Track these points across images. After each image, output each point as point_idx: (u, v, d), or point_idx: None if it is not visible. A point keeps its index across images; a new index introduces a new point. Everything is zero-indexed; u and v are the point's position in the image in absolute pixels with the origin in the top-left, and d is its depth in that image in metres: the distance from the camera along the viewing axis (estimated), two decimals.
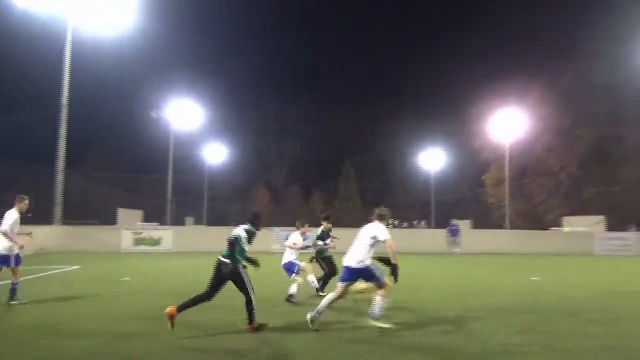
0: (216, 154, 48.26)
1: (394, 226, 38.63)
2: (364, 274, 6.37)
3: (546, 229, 36.69)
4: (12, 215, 7.91)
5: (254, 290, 6.21)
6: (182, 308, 5.97)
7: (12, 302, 7.88)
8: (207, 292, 6.11)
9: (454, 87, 70.60)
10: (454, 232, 23.61)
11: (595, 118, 47.60)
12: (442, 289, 10.59)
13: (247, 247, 6.40)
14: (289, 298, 8.46)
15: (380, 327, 6.18)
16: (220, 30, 75.32)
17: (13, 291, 7.94)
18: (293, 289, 8.60)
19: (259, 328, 6.11)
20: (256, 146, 61.22)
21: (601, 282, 12.51)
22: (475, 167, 61.32)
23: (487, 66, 66.03)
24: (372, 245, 6.38)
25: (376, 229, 6.48)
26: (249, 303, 6.11)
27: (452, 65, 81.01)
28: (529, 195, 55.59)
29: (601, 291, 10.58)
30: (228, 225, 37.78)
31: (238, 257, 6.23)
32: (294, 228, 9.94)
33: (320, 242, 9.68)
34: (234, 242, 6.26)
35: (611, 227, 34.27)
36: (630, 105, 43.72)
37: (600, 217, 33.87)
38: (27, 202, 8.19)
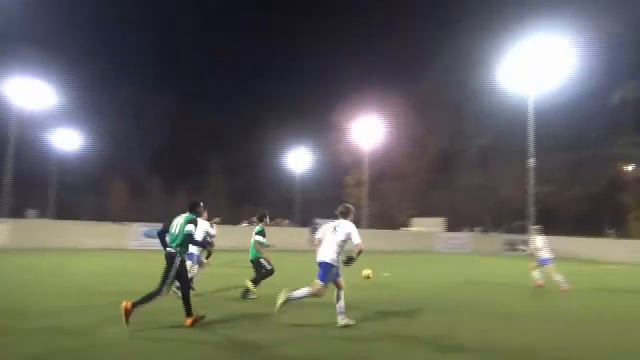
0: (68, 141, 43.42)
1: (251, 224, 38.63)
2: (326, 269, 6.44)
3: (398, 229, 39.94)
4: None
5: (167, 288, 6.19)
6: (137, 304, 5.87)
7: None
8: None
9: (321, 91, 73.14)
10: (317, 231, 24.58)
11: (442, 130, 53.33)
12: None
13: (193, 233, 6.43)
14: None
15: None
16: (82, 6, 68.13)
17: None
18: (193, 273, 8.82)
19: (198, 319, 6.19)
20: (115, 134, 56.06)
21: (439, 277, 14.02)
22: (338, 169, 64.39)
23: (351, 74, 69.69)
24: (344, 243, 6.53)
25: (349, 228, 6.59)
26: (182, 292, 6.29)
27: (320, 70, 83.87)
28: (385, 197, 60.03)
29: (439, 284, 11.86)
30: (79, 219, 34.43)
31: (183, 247, 6.31)
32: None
33: (261, 239, 9.65)
34: (184, 234, 6.28)
35: (450, 228, 38.69)
36: (470, 122, 49.80)
37: (442, 219, 37.92)
38: None
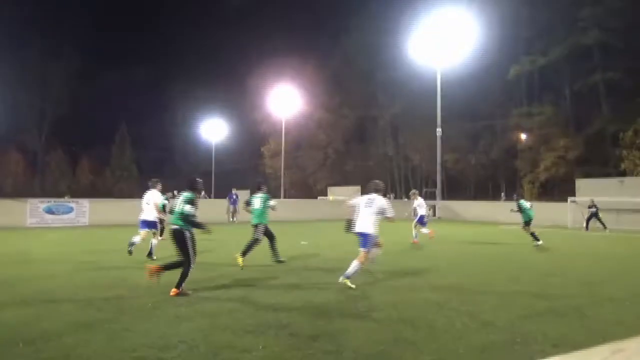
0: None
1: (173, 196, 37.52)
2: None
3: (315, 198, 40.76)
4: None
5: (195, 258, 6.75)
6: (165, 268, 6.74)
7: None
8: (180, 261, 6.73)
9: (236, 60, 71.45)
10: (234, 202, 24.38)
11: (357, 100, 54.54)
12: (219, 255, 10.91)
13: (194, 213, 6.88)
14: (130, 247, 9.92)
15: (349, 286, 7.11)
16: None
17: None
18: (136, 239, 10.11)
19: (183, 294, 6.52)
20: (8, 101, 50.50)
21: (352, 243, 14.68)
22: (254, 139, 63.80)
23: (266, 41, 68.45)
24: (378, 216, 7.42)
25: (384, 203, 7.51)
26: (185, 267, 6.64)
27: (233, 37, 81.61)
28: (302, 167, 60.75)
29: (352, 251, 12.46)
30: None
31: (186, 223, 6.75)
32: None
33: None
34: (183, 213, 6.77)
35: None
36: (382, 90, 51.32)
37: (357, 187, 39.22)
38: None
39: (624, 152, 32.49)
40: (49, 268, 8.95)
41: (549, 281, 8.18)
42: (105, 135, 63.29)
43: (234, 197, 24.51)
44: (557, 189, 38.58)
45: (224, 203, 25.05)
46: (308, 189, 57.51)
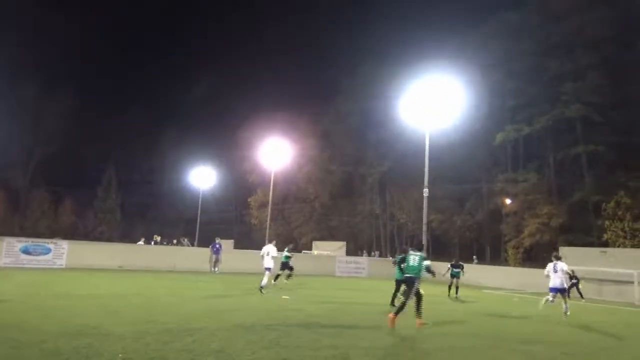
0: None
1: (156, 243, 36.92)
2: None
3: (300, 252, 40.29)
4: None
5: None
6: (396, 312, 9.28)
7: None
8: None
9: (230, 110, 72.62)
10: (217, 251, 23.97)
11: (346, 156, 55.43)
12: (197, 307, 10.60)
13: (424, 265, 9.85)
14: None
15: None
16: None
17: None
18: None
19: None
20: None
21: (337, 300, 14.43)
22: (242, 189, 63.76)
23: (260, 95, 70.17)
24: None
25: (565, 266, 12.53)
26: (405, 302, 9.44)
27: (228, 87, 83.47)
28: (288, 220, 60.51)
29: (334, 308, 12.21)
30: None
31: (418, 273, 9.61)
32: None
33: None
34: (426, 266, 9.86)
35: (350, 252, 39.88)
36: (372, 148, 52.32)
37: (342, 243, 39.04)
38: None
39: (607, 223, 32.99)
40: (17, 312, 8.59)
41: (533, 350, 8.03)
42: (92, 177, 62.81)
43: (217, 246, 24.10)
44: (540, 255, 38.69)
45: (206, 252, 24.60)
46: (293, 242, 56.93)
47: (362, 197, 56.21)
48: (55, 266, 20.00)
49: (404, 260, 11.05)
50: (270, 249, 15.39)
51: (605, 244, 31.27)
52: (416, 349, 7.46)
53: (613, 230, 32.40)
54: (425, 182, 33.19)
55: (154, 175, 68.40)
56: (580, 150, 38.52)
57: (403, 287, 10.79)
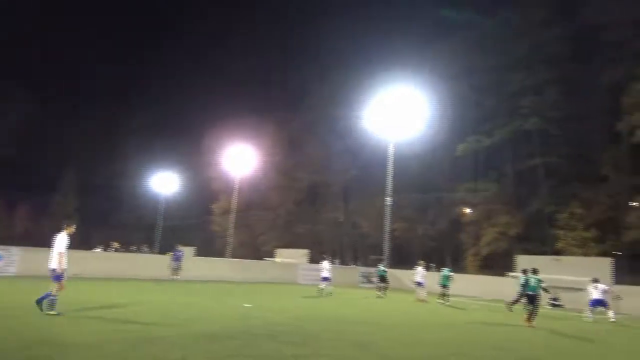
0: None
1: (116, 249, 35.82)
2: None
3: (262, 259, 39.93)
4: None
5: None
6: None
7: None
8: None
9: (194, 116, 71.63)
10: (178, 258, 23.41)
11: (311, 164, 55.53)
12: (157, 316, 10.30)
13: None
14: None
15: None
16: None
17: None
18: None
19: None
20: None
21: (298, 308, 14.34)
22: (205, 196, 62.76)
23: (225, 101, 69.49)
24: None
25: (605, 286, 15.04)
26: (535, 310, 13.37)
27: (193, 93, 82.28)
28: (252, 227, 59.90)
29: (297, 315, 12.13)
30: None
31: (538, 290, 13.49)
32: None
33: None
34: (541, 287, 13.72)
35: (313, 260, 39.75)
36: (337, 156, 52.72)
37: (306, 251, 38.90)
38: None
39: (560, 233, 34.28)
40: None
41: (499, 357, 8.19)
42: (49, 182, 60.42)
43: (179, 253, 23.54)
44: (498, 263, 39.78)
45: (167, 259, 23.98)
46: (256, 250, 56.44)
47: (326, 205, 56.35)
48: (6, 273, 19.02)
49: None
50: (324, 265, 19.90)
51: (559, 253, 32.46)
52: (380, 356, 7.48)
53: (565, 240, 33.68)
54: (388, 191, 33.70)
55: (114, 180, 66.38)
56: (537, 161, 40.00)
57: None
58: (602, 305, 16.20)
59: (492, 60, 41.64)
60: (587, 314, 16.19)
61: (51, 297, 9.15)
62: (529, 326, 13.02)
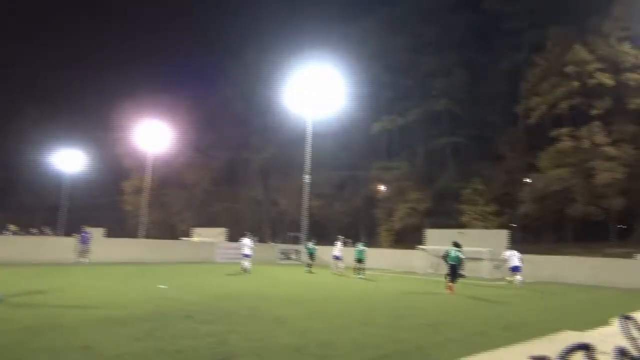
0: None
1: (13, 233, 33.00)
2: None
3: (178, 239, 38.90)
4: None
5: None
6: None
7: None
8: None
9: (101, 88, 66.74)
10: (85, 240, 22.11)
11: (229, 142, 54.50)
12: (60, 301, 9.74)
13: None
14: None
15: None
16: None
17: None
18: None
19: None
20: None
21: (214, 287, 14.25)
22: (115, 174, 59.46)
23: (135, 74, 65.52)
24: None
25: None
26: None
27: (100, 65, 76.66)
28: (166, 206, 57.90)
29: (213, 294, 12.08)
30: None
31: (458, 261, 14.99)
32: None
33: None
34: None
35: (232, 238, 39.42)
36: (256, 134, 52.20)
37: (223, 229, 38.46)
38: None
39: (464, 207, 36.93)
40: None
41: (399, 323, 8.76)
42: None
43: (86, 235, 22.25)
44: (409, 237, 42.09)
45: (73, 241, 22.57)
46: (171, 229, 54.72)
47: (244, 183, 55.83)
48: None
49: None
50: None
51: (463, 226, 35.01)
52: (294, 330, 7.70)
53: (469, 214, 36.37)
54: (306, 169, 34.13)
55: (9, 158, 60.49)
56: (445, 141, 42.48)
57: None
58: (518, 271, 18.07)
59: (405, 42, 43.16)
60: (518, 278, 18.00)
61: None
62: (450, 293, 14.31)
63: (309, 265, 22.69)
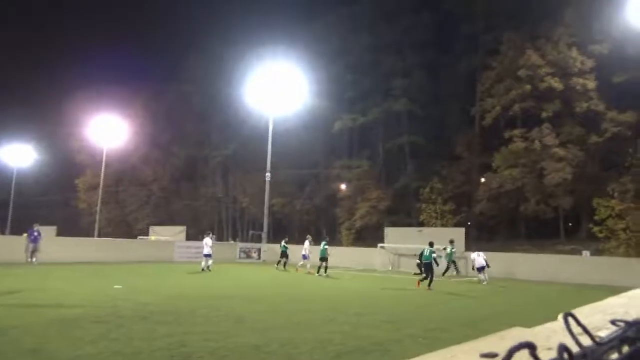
0: None
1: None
2: None
3: (135, 238, 37.86)
4: None
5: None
6: None
7: None
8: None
9: (51, 82, 63.95)
10: (35, 239, 21.14)
11: (189, 138, 53.45)
12: (9, 303, 9.28)
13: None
14: None
15: None
16: None
17: None
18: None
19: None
20: None
21: (173, 287, 13.96)
22: (68, 170, 57.25)
23: (90, 68, 63.27)
24: None
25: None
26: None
27: (51, 56, 73.58)
28: (122, 203, 56.25)
29: (171, 294, 11.82)
30: None
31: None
32: None
33: None
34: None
35: (192, 237, 38.72)
36: (216, 130, 51.43)
37: (182, 228, 37.76)
38: None
39: (423, 206, 37.70)
40: None
41: (361, 321, 8.86)
42: None
43: (35, 233, 21.26)
44: (369, 235, 42.58)
45: (22, 240, 21.53)
46: (127, 228, 53.17)
47: (204, 181, 54.92)
48: None
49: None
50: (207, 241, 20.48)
51: (422, 224, 35.74)
52: (253, 329, 7.65)
53: (427, 212, 37.16)
54: (268, 167, 33.92)
55: None
56: (405, 140, 43.19)
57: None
58: (484, 270, 18.87)
59: (366, 42, 43.52)
60: (481, 277, 18.82)
61: None
62: (428, 289, 14.96)
63: (279, 263, 23.26)
